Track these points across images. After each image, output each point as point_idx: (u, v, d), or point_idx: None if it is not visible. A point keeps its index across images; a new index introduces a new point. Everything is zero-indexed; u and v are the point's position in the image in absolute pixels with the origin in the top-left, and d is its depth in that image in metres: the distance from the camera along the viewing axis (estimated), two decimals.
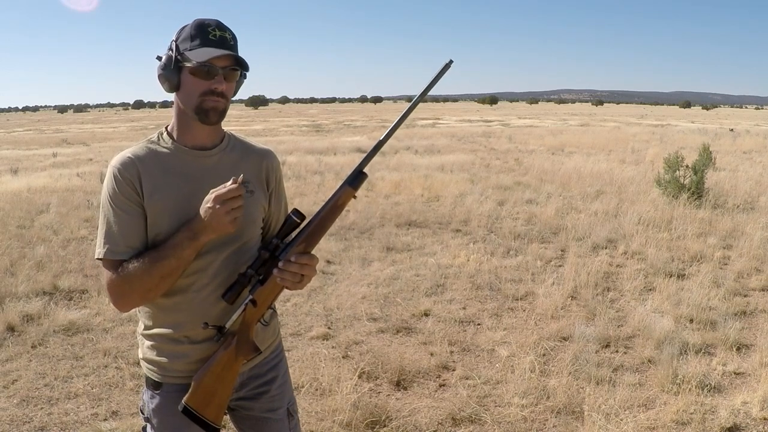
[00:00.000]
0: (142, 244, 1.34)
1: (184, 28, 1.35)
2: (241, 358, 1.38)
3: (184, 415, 1.38)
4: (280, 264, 1.32)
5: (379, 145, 1.35)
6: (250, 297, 1.36)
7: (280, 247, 1.35)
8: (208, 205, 1.27)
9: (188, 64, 1.31)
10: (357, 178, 1.35)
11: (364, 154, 1.36)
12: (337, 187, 1.37)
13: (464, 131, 23.51)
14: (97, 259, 1.34)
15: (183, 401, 1.37)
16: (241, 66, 1.35)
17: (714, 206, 7.48)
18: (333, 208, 1.37)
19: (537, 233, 6.51)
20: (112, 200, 1.33)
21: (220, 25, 1.34)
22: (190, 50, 1.31)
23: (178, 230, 1.32)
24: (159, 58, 1.35)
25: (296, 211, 1.34)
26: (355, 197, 1.38)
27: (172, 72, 1.32)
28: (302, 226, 1.35)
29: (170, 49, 1.34)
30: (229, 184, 1.27)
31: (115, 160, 1.36)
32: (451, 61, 1.32)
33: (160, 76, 1.34)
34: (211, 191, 1.28)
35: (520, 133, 22.76)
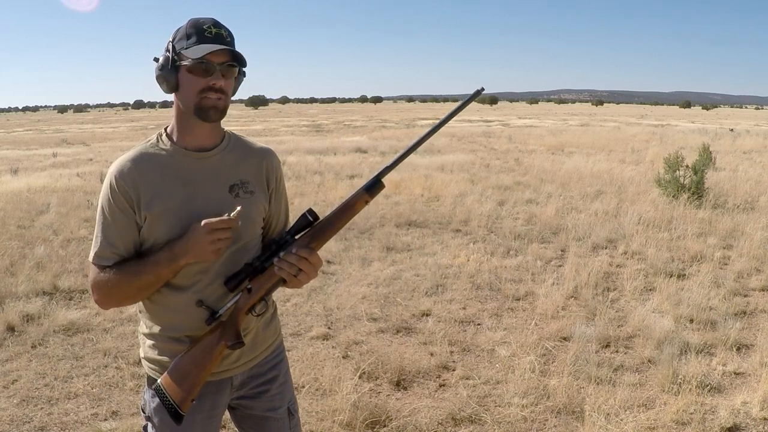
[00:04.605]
0: (127, 252, 1.36)
1: (180, 28, 1.34)
2: (222, 345, 1.35)
3: (155, 394, 1.37)
4: (281, 254, 1.33)
5: (401, 158, 1.38)
6: (248, 285, 1.36)
7: (289, 242, 1.36)
8: (196, 232, 1.28)
9: (185, 63, 1.30)
10: (374, 185, 1.37)
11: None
12: (353, 191, 1.39)
13: (464, 131, 23.50)
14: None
15: (158, 380, 1.37)
16: (238, 61, 1.34)
17: (714, 206, 7.48)
18: (344, 210, 1.38)
19: (537, 233, 6.51)
20: (105, 208, 1.36)
21: (215, 23, 1.33)
22: (186, 48, 1.30)
23: (161, 248, 1.33)
24: (156, 60, 1.35)
25: (311, 211, 1.36)
26: (367, 203, 1.39)
27: (170, 72, 1.32)
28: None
29: (167, 50, 1.33)
30: (224, 216, 1.29)
31: (114, 167, 1.36)
32: (482, 89, 1.38)
33: (158, 77, 1.34)
34: (203, 221, 1.29)
35: (520, 133, 22.76)
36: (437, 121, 1.39)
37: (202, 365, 1.34)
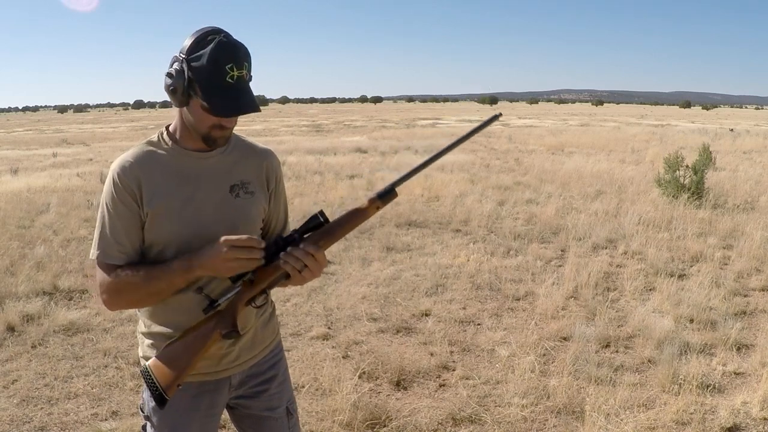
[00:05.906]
0: (134, 250, 1.35)
1: (198, 45, 1.25)
2: (217, 333, 1.34)
3: (142, 375, 1.36)
4: (288, 249, 1.33)
5: (417, 170, 1.39)
6: (251, 276, 1.35)
7: (297, 240, 1.36)
8: (217, 246, 1.27)
9: (201, 101, 1.27)
10: (388, 193, 1.38)
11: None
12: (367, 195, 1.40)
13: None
14: (92, 258, 1.37)
15: (146, 362, 1.36)
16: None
17: (714, 206, 7.48)
18: (355, 214, 1.38)
19: (537, 233, 6.51)
20: (109, 205, 1.35)
21: (238, 61, 1.25)
22: (205, 88, 1.25)
23: (176, 257, 1.32)
24: (170, 76, 1.28)
25: (322, 213, 1.36)
26: (379, 209, 1.39)
27: (183, 95, 1.29)
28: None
29: (180, 63, 1.27)
30: (245, 236, 1.28)
31: (116, 164, 1.36)
32: (499, 114, 1.50)
33: (168, 94, 1.31)
34: (223, 237, 1.27)
35: (520, 133, 22.76)
36: (454, 140, 1.42)
37: (194, 351, 1.33)
